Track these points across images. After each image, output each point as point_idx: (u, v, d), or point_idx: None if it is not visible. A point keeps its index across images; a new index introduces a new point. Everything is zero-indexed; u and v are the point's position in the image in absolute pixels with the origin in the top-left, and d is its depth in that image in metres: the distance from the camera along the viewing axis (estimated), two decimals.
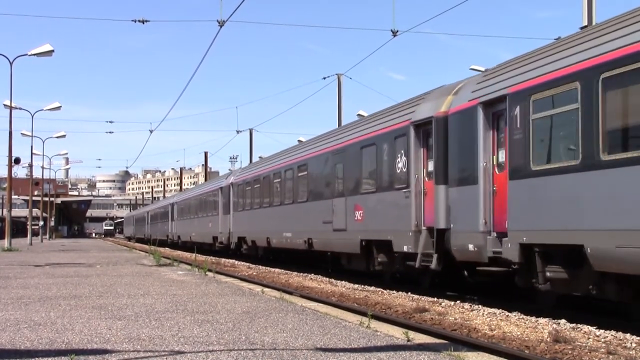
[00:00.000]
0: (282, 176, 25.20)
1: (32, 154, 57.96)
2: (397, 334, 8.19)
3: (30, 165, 63.48)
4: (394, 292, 15.64)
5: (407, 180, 15.28)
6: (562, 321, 10.58)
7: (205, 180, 70.38)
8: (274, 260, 27.75)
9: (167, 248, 51.87)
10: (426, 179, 14.94)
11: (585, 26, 16.15)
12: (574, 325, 10.26)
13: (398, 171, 15.74)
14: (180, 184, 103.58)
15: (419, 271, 15.26)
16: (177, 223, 51.47)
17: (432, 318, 11.35)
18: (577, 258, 10.33)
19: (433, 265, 14.16)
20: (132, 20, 26.11)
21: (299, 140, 42.17)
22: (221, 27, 22.15)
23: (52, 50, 36.54)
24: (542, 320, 10.83)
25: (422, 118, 14.88)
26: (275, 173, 26.17)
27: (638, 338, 9.20)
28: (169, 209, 55.94)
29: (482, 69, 19.24)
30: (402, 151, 15.52)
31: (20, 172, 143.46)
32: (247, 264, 29.16)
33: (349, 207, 18.49)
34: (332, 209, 19.58)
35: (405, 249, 15.20)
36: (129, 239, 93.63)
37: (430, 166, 14.75)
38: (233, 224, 32.31)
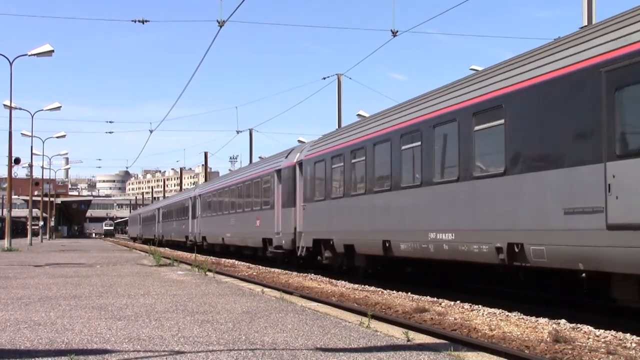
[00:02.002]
0: (427, 136, 14.81)
1: (32, 154, 58.08)
2: (397, 334, 8.19)
3: (30, 166, 63.56)
4: (394, 292, 15.63)
5: None
6: (562, 321, 10.58)
7: (206, 180, 68.77)
8: (390, 277, 18.26)
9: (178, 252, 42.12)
10: None
11: (585, 26, 16.14)
12: (574, 325, 10.26)
13: None
14: (180, 184, 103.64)
15: None
16: (202, 221, 41.07)
17: (432, 318, 11.35)
18: None
19: None
20: (132, 20, 26.18)
21: (299, 141, 42.16)
22: (221, 27, 22.18)
23: (52, 50, 36.55)
24: (542, 320, 10.83)
25: None
26: (408, 133, 15.63)
27: (638, 338, 9.20)
28: (188, 203, 45.73)
29: (481, 68, 19.22)
30: None
31: (20, 172, 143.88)
32: (247, 264, 29.13)
33: None
34: (607, 184, 9.83)
35: None
36: (134, 239, 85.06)
37: None
38: (304, 221, 22.60)
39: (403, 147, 15.86)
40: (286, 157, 25.58)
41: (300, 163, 23.62)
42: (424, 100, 15.65)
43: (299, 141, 41.43)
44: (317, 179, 21.56)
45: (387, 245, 16.32)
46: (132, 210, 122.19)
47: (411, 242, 15.21)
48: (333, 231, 19.98)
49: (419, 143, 15.13)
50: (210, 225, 38.89)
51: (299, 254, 22.93)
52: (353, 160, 18.74)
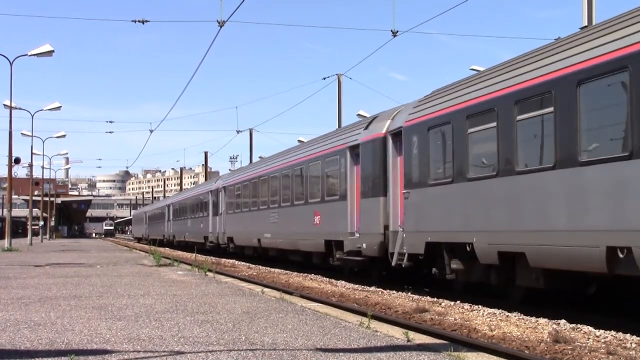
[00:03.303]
0: None
1: (32, 154, 58.15)
2: (397, 334, 8.19)
3: (30, 165, 63.64)
4: (394, 292, 15.63)
5: None
6: (562, 321, 10.58)
7: (206, 179, 67.92)
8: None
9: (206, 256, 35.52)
10: None
11: (586, 26, 16.16)
12: (574, 325, 10.27)
13: None
14: (181, 184, 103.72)
15: None
16: (228, 218, 33.48)
17: (432, 318, 11.35)
18: None
19: None
20: (132, 21, 26.14)
21: (299, 141, 42.16)
22: (221, 27, 22.18)
23: (52, 50, 36.58)
24: (542, 320, 10.83)
25: None
26: None
27: (638, 338, 9.21)
28: (208, 197, 38.43)
29: (482, 68, 19.15)
30: None
31: (20, 172, 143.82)
32: (247, 264, 29.10)
33: None
34: None
35: None
36: (139, 240, 76.91)
37: None
38: (406, 214, 15.55)
39: None
40: (366, 127, 18.33)
41: (396, 133, 16.39)
42: None
43: (299, 141, 41.39)
44: (435, 152, 14.51)
45: (621, 255, 9.58)
46: (133, 210, 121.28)
47: None
48: (473, 230, 13.10)
49: None
50: (239, 223, 31.32)
51: (394, 263, 15.87)
52: (521, 117, 11.84)
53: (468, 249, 13.22)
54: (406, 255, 15.38)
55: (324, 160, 20.86)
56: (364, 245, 17.58)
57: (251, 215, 29.07)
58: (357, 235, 18.19)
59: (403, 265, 15.52)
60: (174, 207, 52.36)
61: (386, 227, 16.67)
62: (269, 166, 27.67)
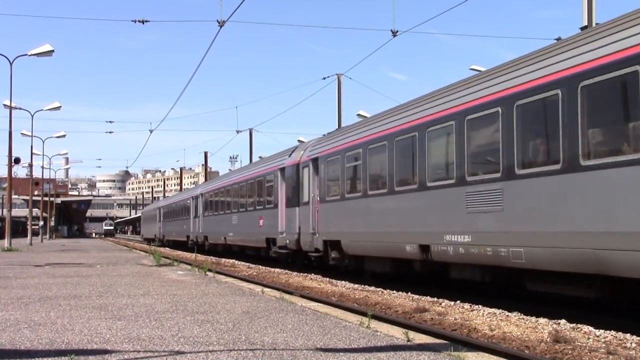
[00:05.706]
0: None
1: (32, 154, 58.11)
2: (397, 334, 8.19)
3: (30, 165, 63.59)
4: (394, 292, 15.63)
5: None
6: (562, 321, 10.58)
7: (206, 179, 67.39)
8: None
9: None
10: None
11: (586, 26, 16.15)
12: (574, 325, 10.26)
13: None
14: (180, 184, 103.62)
15: None
16: (329, 211, 19.92)
17: (432, 318, 11.35)
18: None
19: None
20: (132, 21, 26.15)
21: (299, 141, 42.14)
22: (221, 27, 22.18)
23: (52, 50, 36.58)
24: (542, 320, 10.83)
25: None
26: None
27: (638, 338, 9.20)
28: (275, 181, 25.75)
29: (482, 68, 19.09)
30: None
31: (20, 172, 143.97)
32: (247, 263, 29.08)
33: None
34: None
35: None
36: (150, 242, 61.56)
37: None
38: None
39: None
40: None
41: None
42: None
43: (299, 141, 41.39)
44: None
45: None
46: (131, 211, 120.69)
47: None
48: None
49: None
50: (360, 217, 17.87)
51: None
52: None
53: None
54: None
55: None
56: None
57: (407, 200, 15.28)
58: None
59: None
60: (206, 199, 39.11)
61: None
62: (474, 95, 12.89)
